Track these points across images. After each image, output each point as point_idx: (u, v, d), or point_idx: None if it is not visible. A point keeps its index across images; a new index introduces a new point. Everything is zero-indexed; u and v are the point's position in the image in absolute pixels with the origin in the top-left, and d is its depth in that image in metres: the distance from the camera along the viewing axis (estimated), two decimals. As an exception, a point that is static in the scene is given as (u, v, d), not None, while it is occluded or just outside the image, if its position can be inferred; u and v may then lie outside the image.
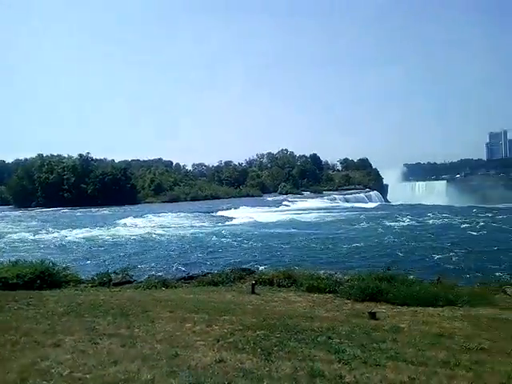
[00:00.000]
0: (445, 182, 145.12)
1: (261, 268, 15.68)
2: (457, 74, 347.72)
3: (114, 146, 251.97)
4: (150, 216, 51.19)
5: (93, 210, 69.39)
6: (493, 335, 6.91)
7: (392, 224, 39.05)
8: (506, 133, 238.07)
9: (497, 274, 16.70)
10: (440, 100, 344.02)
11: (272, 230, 36.11)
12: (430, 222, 40.91)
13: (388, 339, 6.48)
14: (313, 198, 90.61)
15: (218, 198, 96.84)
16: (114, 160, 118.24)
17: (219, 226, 41.03)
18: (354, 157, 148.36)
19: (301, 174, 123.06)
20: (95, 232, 36.52)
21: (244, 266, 15.18)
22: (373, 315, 7.99)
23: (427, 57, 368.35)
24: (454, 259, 21.29)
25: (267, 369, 5.08)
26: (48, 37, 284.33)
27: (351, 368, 5.11)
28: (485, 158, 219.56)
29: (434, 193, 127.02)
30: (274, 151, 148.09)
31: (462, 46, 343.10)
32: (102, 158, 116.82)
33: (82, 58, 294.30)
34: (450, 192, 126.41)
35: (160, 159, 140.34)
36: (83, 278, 14.24)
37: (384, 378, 4.83)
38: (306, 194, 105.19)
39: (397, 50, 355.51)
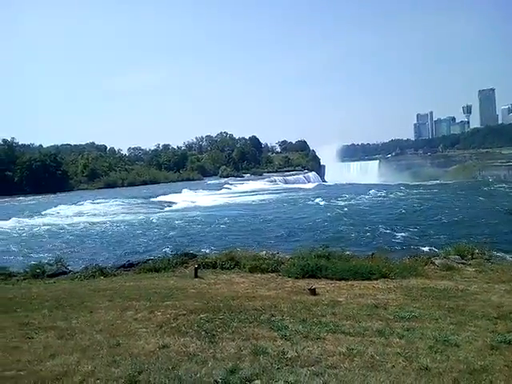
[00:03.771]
0: (377, 161, 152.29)
1: (204, 251, 15.60)
2: (388, 59, 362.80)
3: (42, 130, 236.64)
4: (84, 203, 48.93)
5: (21, 198, 65.06)
6: (422, 304, 7.41)
7: (329, 203, 40.44)
8: (431, 114, 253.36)
9: (425, 246, 17.89)
10: (373, 83, 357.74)
11: (214, 213, 36.04)
12: (364, 199, 42.88)
13: (327, 313, 6.75)
14: (253, 180, 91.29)
15: (157, 182, 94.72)
16: (41, 145, 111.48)
17: (159, 212, 40.23)
18: (293, 139, 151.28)
19: (241, 157, 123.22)
20: (24, 222, 34.30)
21: (186, 251, 15.00)
22: (313, 291, 8.26)
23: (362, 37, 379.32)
24: (386, 234, 22.54)
25: (211, 350, 5.11)
26: None
27: (293, 343, 5.27)
28: (413, 139, 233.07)
29: (368, 172, 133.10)
30: (213, 134, 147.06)
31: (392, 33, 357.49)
32: (29, 143, 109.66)
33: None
34: (382, 171, 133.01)
35: (93, 143, 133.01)
36: (14, 270, 13.40)
37: (324, 350, 5.03)
38: (246, 176, 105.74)
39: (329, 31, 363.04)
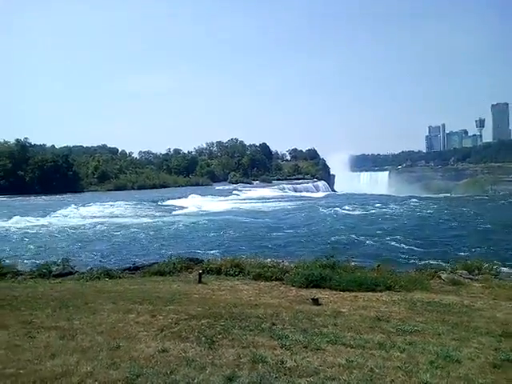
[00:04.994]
0: (387, 172, 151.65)
1: (209, 257, 15.62)
2: (401, 69, 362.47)
3: (55, 131, 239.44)
4: (94, 205, 49.25)
5: (32, 198, 65.79)
6: (426, 318, 7.33)
7: (338, 213, 40.31)
8: (443, 126, 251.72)
9: (433, 260, 17.70)
10: (385, 94, 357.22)
11: (222, 219, 36.08)
12: (373, 210, 42.66)
13: (329, 324, 6.71)
14: (262, 187, 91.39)
15: (167, 186, 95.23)
16: (54, 146, 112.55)
17: (167, 216, 40.40)
18: (303, 147, 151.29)
19: (250, 163, 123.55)
20: (34, 222, 34.64)
21: (192, 256, 15.05)
22: (315, 301, 8.23)
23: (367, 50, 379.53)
24: (393, 246, 22.38)
25: (210, 357, 5.11)
26: None
27: (293, 353, 5.25)
28: (424, 151, 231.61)
29: (378, 183, 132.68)
30: (224, 140, 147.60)
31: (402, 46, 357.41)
32: (42, 143, 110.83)
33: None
34: (393, 182, 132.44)
35: (104, 146, 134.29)
36: (21, 269, 13.53)
37: (324, 361, 5.00)
38: (255, 183, 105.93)
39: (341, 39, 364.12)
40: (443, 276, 11.22)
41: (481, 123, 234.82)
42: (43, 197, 67.05)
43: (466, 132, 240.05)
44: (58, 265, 13.36)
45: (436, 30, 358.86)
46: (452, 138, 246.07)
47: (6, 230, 30.18)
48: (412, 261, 17.82)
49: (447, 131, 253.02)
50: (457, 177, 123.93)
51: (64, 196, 68.42)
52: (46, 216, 38.48)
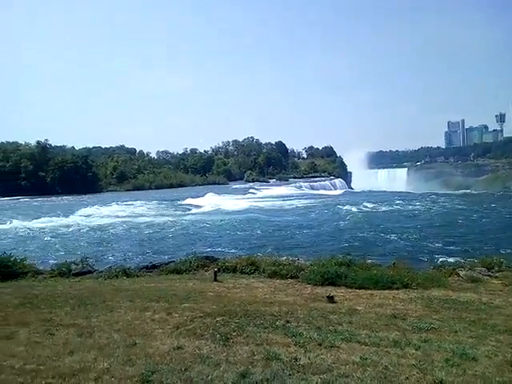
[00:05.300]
0: (406, 169, 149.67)
1: (225, 255, 15.70)
2: (418, 64, 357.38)
3: (74, 132, 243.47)
4: (114, 205, 50.05)
5: (53, 198, 67.18)
6: (442, 316, 7.24)
7: (354, 210, 39.96)
8: (463, 122, 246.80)
9: (451, 257, 17.41)
10: (403, 89, 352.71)
11: (238, 218, 36.16)
12: (391, 208, 42.16)
13: (344, 321, 6.69)
14: (279, 185, 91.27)
15: (184, 186, 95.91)
16: (74, 147, 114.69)
17: (185, 215, 40.71)
18: (319, 145, 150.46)
19: (267, 162, 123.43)
20: (56, 221, 35.39)
21: (208, 254, 15.15)
22: (331, 299, 8.20)
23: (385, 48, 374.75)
24: (411, 243, 22.08)
25: (225, 354, 5.16)
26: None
27: (306, 350, 5.26)
28: (443, 146, 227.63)
29: (396, 180, 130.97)
30: (240, 139, 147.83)
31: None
32: (62, 145, 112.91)
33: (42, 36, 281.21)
34: (411, 179, 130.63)
35: (123, 146, 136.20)
36: (42, 268, 13.85)
37: (337, 358, 5.00)
38: (272, 181, 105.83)
39: (356, 35, 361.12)
40: (461, 273, 11.05)
41: (501, 118, 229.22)
42: (64, 197, 68.37)
43: (486, 127, 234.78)
44: (77, 264, 13.62)
45: (457, 23, 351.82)
46: (472, 133, 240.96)
47: (30, 229, 30.90)
48: (431, 258, 17.55)
49: (467, 126, 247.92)
50: (477, 173, 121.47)
51: (84, 196, 69.68)
52: (68, 216, 39.26)
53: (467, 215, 34.37)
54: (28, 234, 29.28)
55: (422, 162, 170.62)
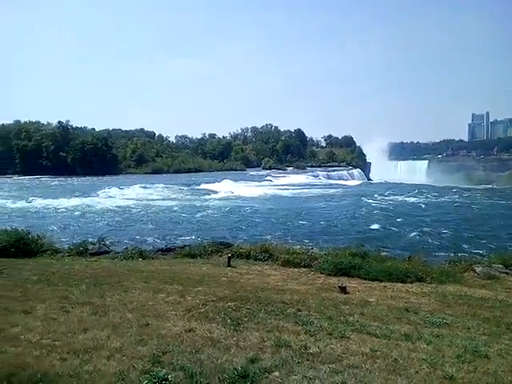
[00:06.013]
0: (426, 161, 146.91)
1: (239, 241, 15.78)
2: (443, 55, 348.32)
3: (95, 114, 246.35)
4: (132, 187, 50.66)
5: (74, 179, 68.34)
6: (456, 311, 7.17)
7: (371, 202, 39.57)
8: (488, 114, 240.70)
9: (468, 253, 17.13)
10: (426, 80, 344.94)
11: (253, 205, 36.22)
12: (409, 200, 41.59)
13: (355, 312, 6.67)
14: (296, 173, 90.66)
15: (202, 171, 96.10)
16: (94, 129, 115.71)
17: (201, 200, 40.94)
18: (339, 134, 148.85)
19: (285, 150, 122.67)
20: (75, 201, 36.11)
21: (222, 240, 15.25)
22: (343, 289, 8.19)
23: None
24: (428, 237, 21.78)
25: (235, 338, 5.21)
26: None
27: (316, 339, 5.27)
28: (466, 139, 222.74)
29: (416, 172, 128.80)
30: (259, 125, 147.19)
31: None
32: (82, 126, 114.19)
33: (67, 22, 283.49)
34: (431, 172, 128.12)
35: (142, 129, 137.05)
36: (60, 247, 14.17)
37: (347, 349, 5.00)
38: (289, 169, 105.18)
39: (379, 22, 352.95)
40: (478, 269, 10.88)
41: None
42: (83, 178, 69.47)
43: (511, 121, 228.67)
44: (94, 244, 13.89)
45: (479, 15, 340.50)
46: (496, 126, 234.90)
47: (49, 208, 31.58)
48: (447, 253, 17.30)
49: (491, 119, 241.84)
50: (500, 167, 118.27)
51: (103, 178, 70.69)
52: (88, 196, 40.01)
53: (488, 211, 33.68)
54: (47, 212, 29.96)
55: (444, 154, 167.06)
